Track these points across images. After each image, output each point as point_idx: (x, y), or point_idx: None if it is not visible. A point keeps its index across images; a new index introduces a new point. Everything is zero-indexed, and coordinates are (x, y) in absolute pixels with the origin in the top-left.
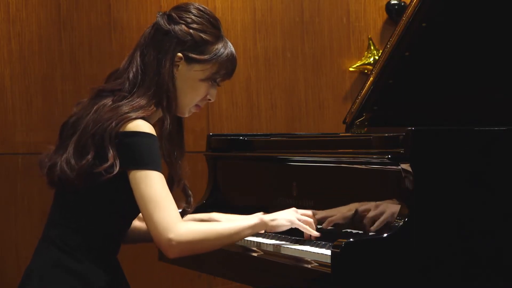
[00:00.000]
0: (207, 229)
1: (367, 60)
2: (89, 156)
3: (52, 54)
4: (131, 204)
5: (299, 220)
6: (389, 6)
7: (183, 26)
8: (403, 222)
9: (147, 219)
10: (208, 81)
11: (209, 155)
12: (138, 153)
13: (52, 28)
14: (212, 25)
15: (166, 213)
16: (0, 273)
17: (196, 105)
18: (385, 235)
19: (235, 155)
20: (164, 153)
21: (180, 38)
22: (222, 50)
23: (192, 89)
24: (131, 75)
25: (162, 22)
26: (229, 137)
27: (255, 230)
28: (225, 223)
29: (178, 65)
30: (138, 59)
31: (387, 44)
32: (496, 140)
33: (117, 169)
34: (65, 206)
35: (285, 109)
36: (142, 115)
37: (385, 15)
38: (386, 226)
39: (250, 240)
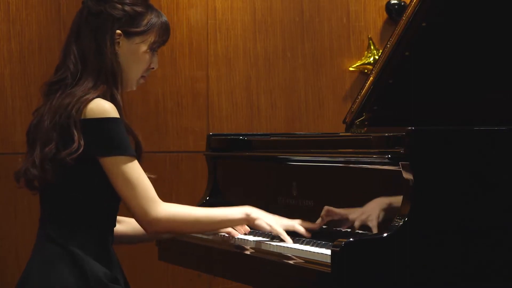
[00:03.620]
0: (187, 213)
1: (367, 60)
2: (52, 145)
3: (52, 54)
4: (109, 190)
5: (280, 230)
6: (389, 6)
7: (114, 3)
8: (403, 222)
9: (129, 203)
10: (149, 51)
11: (209, 155)
12: (108, 140)
13: (52, 28)
14: None
15: (145, 194)
16: (0, 273)
17: (142, 76)
18: (385, 235)
19: (235, 155)
20: (126, 128)
21: (115, 16)
22: (155, 18)
23: (137, 62)
24: (71, 65)
25: (92, 4)
26: (229, 137)
27: (236, 224)
28: (207, 210)
29: (119, 42)
30: (74, 46)
31: (387, 44)
32: (496, 140)
33: (81, 149)
34: (49, 203)
35: (285, 109)
36: (96, 94)
37: (385, 15)
38: (386, 226)
39: (248, 240)
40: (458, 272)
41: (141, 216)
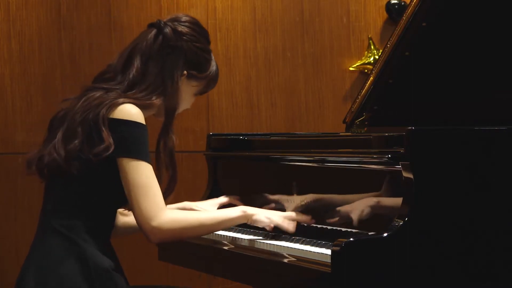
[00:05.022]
0: (190, 218)
1: (367, 60)
2: (77, 141)
3: (52, 54)
4: (118, 189)
5: (280, 220)
6: (389, 6)
7: (189, 43)
8: (403, 221)
9: (134, 206)
10: (198, 94)
11: (209, 155)
12: (130, 142)
13: (52, 28)
14: (208, 41)
15: (153, 201)
16: (0, 273)
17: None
18: (385, 234)
19: (235, 154)
20: (170, 162)
21: (187, 56)
22: (214, 67)
23: (185, 101)
24: (131, 76)
25: (170, 35)
26: (229, 137)
27: (235, 222)
28: (208, 213)
29: (180, 80)
30: (139, 64)
31: (387, 43)
32: (496, 140)
33: (112, 148)
34: (58, 194)
35: (285, 109)
36: (129, 101)
37: (385, 15)
38: (386, 225)
39: (250, 239)
40: (458, 272)
41: (145, 222)
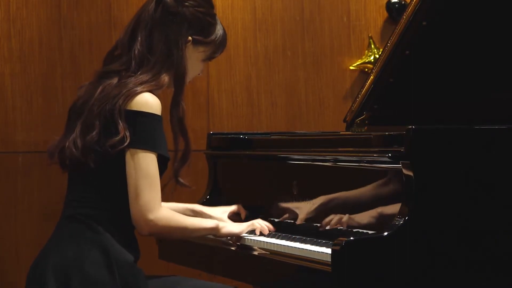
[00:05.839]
0: (181, 220)
1: (367, 59)
2: (94, 133)
3: (53, 53)
4: None
5: (249, 223)
6: (389, 5)
7: (191, 9)
8: (403, 221)
9: (136, 194)
10: (207, 60)
11: (210, 154)
12: (145, 133)
13: (52, 27)
14: (211, 6)
15: (154, 194)
16: (0, 273)
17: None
18: (385, 234)
19: (235, 153)
20: (181, 129)
21: (190, 22)
22: (221, 31)
23: (194, 68)
24: (136, 52)
25: (171, 2)
26: (229, 136)
27: (211, 233)
28: (193, 219)
29: (185, 47)
30: (143, 37)
31: (387, 43)
32: (496, 139)
33: (128, 140)
34: (79, 186)
35: (285, 108)
36: (146, 89)
37: (385, 14)
38: (386, 225)
39: (251, 239)
40: (458, 271)
41: (144, 213)
